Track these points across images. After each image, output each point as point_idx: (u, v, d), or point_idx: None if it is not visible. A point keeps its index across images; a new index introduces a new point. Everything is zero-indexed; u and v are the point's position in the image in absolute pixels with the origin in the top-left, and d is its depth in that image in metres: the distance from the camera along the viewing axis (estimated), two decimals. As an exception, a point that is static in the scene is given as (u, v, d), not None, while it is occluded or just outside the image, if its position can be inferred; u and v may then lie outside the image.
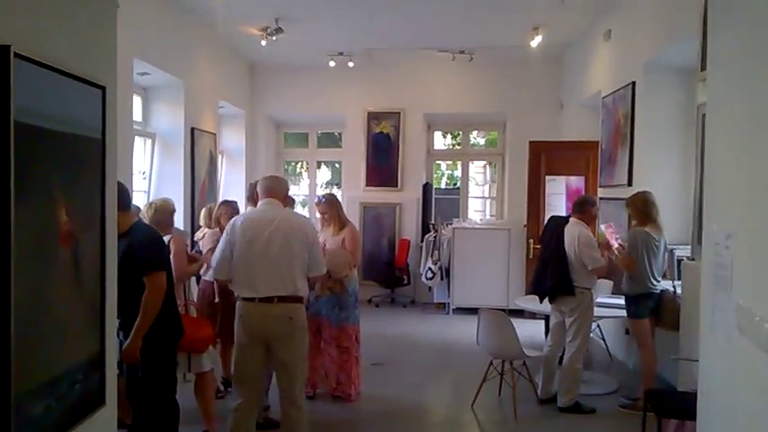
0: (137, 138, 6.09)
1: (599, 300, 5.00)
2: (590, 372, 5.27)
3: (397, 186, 9.09)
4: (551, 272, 4.70)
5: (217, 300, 4.66)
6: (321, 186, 11.37)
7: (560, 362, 4.76)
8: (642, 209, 4.62)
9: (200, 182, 6.91)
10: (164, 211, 4.13)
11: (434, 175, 10.46)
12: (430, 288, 8.49)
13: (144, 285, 3.10)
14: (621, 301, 4.82)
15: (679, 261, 4.81)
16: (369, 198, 9.10)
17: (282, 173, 9.71)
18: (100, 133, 2.22)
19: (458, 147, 11.02)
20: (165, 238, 3.81)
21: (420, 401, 5.07)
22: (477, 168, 12.18)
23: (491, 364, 4.74)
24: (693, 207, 4.51)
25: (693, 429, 3.25)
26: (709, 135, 2.13)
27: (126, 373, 3.20)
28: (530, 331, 6.25)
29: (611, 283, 5.56)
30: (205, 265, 4.77)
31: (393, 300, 8.81)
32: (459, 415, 4.76)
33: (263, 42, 7.21)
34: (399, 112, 9.05)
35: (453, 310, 8.13)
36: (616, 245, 4.66)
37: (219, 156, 8.04)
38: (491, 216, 10.00)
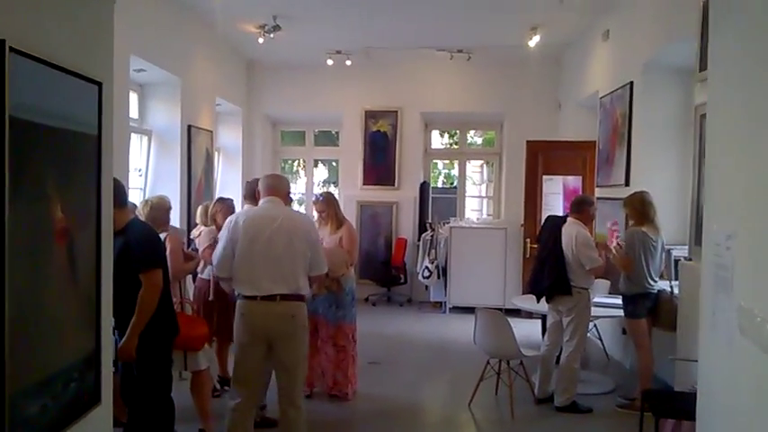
0: (133, 135, 6.06)
1: (596, 299, 5.00)
2: (587, 371, 5.26)
3: (394, 185, 9.08)
4: (548, 271, 4.69)
5: (211, 298, 4.64)
6: (318, 185, 11.35)
7: (557, 361, 4.76)
8: (639, 209, 4.62)
9: (196, 179, 6.89)
10: (160, 208, 4.11)
11: (431, 174, 10.45)
12: (427, 287, 8.48)
13: (140, 283, 3.08)
14: (618, 301, 4.82)
15: (676, 261, 4.81)
16: (366, 197, 9.08)
17: (279, 171, 9.68)
18: (96, 129, 2.20)
19: (455, 146, 11.01)
20: (161, 236, 3.79)
21: (417, 401, 5.06)
22: (474, 168, 12.18)
23: (488, 363, 4.74)
24: (691, 207, 4.51)
25: (690, 429, 3.26)
26: (710, 135, 2.12)
27: (121, 372, 3.18)
28: (526, 330, 6.24)
29: (609, 282, 5.57)
30: (201, 263, 4.75)
31: (390, 299, 8.80)
32: (456, 414, 4.75)
33: (261, 40, 7.19)
34: (397, 111, 9.04)
35: (450, 309, 8.13)
36: (614, 243, 4.66)
37: (216, 153, 8.02)
38: (488, 215, 10.00)
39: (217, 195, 7.31)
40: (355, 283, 4.99)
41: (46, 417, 1.92)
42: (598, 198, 6.27)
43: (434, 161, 10.82)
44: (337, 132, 9.85)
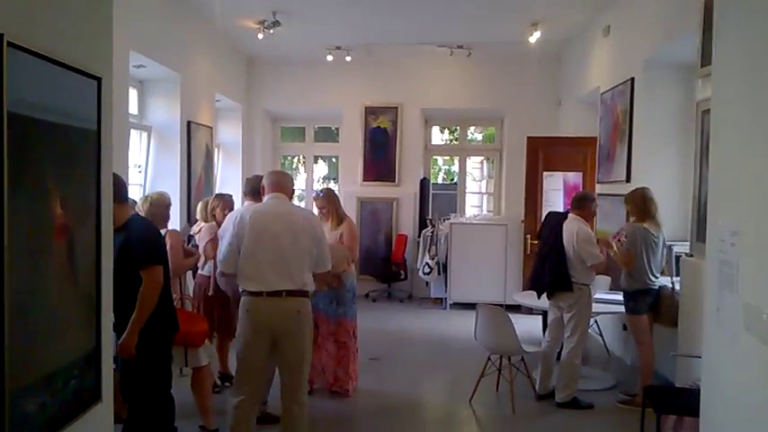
0: (132, 131, 6.05)
1: (597, 296, 5.00)
2: (588, 367, 5.26)
3: (394, 181, 9.07)
4: (549, 268, 4.68)
5: (211, 293, 4.63)
6: (318, 181, 11.33)
7: (558, 357, 4.76)
8: (641, 205, 4.61)
9: (196, 176, 6.87)
10: (159, 204, 4.10)
11: (432, 171, 10.43)
12: (427, 283, 8.48)
13: (140, 280, 3.07)
14: (619, 297, 4.82)
15: (677, 257, 4.80)
16: (366, 193, 9.07)
17: (279, 167, 9.67)
18: (95, 125, 2.19)
19: (455, 142, 11.00)
20: (161, 232, 3.78)
21: (417, 397, 5.06)
22: (474, 164, 12.17)
23: (489, 359, 4.73)
24: (692, 203, 4.49)
25: (692, 425, 3.25)
26: (714, 130, 2.11)
27: (120, 368, 3.17)
28: (527, 326, 6.24)
29: (609, 278, 5.56)
30: (202, 259, 4.74)
31: (390, 295, 8.80)
32: (457, 410, 4.75)
33: (261, 36, 7.16)
34: (397, 107, 9.02)
35: (450, 305, 8.13)
36: (615, 239, 4.65)
37: (216, 149, 8.00)
38: (488, 212, 9.99)
39: (217, 191, 7.30)
40: (356, 280, 4.98)
41: (46, 414, 1.91)
42: (599, 194, 6.25)
43: (435, 157, 10.80)
44: (337, 128, 9.83)
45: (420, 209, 9.12)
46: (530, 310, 6.73)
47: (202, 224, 4.99)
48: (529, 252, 7.35)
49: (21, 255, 1.73)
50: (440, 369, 5.85)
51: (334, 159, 10.83)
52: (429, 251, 8.18)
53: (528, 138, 7.60)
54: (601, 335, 6.15)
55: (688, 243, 4.67)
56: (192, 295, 4.90)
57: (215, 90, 7.68)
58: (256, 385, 3.48)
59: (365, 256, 8.65)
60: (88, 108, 2.15)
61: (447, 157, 12.12)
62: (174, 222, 5.44)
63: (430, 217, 8.85)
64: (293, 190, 3.77)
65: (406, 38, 7.87)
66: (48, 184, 1.89)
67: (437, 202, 9.69)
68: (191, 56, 6.87)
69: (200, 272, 4.86)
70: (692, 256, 4.49)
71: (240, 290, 3.43)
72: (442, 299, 8.32)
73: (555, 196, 7.48)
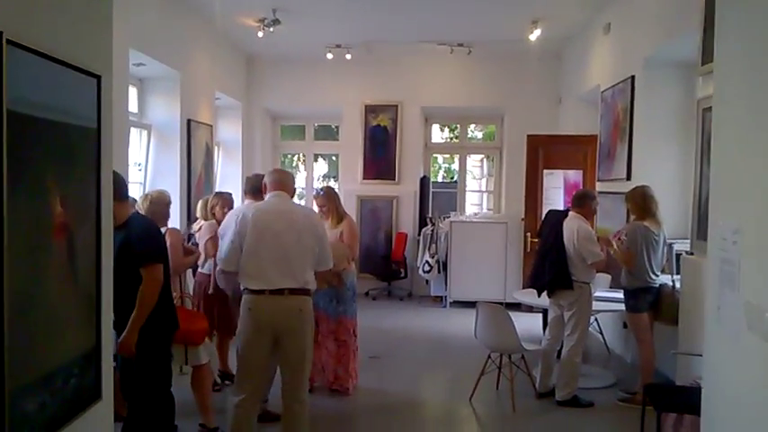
0: (132, 129, 6.04)
1: (597, 294, 4.99)
2: (588, 365, 5.26)
3: (394, 179, 9.06)
4: (550, 266, 4.68)
5: (211, 291, 4.62)
6: (318, 179, 11.33)
7: (559, 356, 4.76)
8: (641, 203, 4.60)
9: (196, 174, 6.87)
10: (159, 202, 4.09)
11: (432, 169, 10.42)
12: (427, 281, 8.48)
13: (140, 278, 3.06)
14: (620, 295, 4.82)
15: (678, 255, 4.79)
16: (366, 191, 9.07)
17: (279, 165, 9.66)
18: (95, 123, 2.18)
19: (455, 140, 10.99)
20: (161, 230, 3.77)
21: (417, 395, 5.06)
22: (474, 162, 12.15)
23: (489, 357, 4.73)
24: (693, 201, 4.49)
25: (692, 423, 3.25)
26: (716, 129, 2.10)
27: (120, 367, 3.17)
28: (527, 324, 6.23)
29: (610, 277, 5.56)
30: (202, 257, 4.74)
31: (390, 293, 8.80)
32: (457, 409, 4.75)
33: (261, 34, 7.15)
34: (397, 105, 9.01)
35: (450, 303, 8.13)
36: (616, 238, 4.65)
37: (216, 148, 7.99)
38: (488, 210, 9.98)
39: (217, 190, 7.30)
40: (356, 278, 4.98)
41: (45, 413, 1.90)
42: (599, 192, 6.25)
43: (435, 155, 10.79)
44: (337, 127, 9.82)
45: (420, 207, 9.11)
46: (530, 309, 6.73)
47: (202, 222, 4.99)
48: (529, 250, 7.35)
49: (20, 253, 1.73)
50: (440, 367, 5.85)
51: (334, 158, 10.82)
52: (429, 249, 8.18)
53: (528, 136, 7.58)
54: (601, 333, 6.15)
55: (688, 241, 4.67)
56: (191, 293, 4.90)
57: (215, 88, 7.67)
58: (258, 384, 3.47)
59: (365, 254, 8.65)
60: (88, 106, 2.14)
61: (447, 155, 12.11)
62: (175, 221, 5.44)
63: (430, 215, 8.84)
64: (295, 189, 3.77)
65: (406, 36, 7.86)
66: (47, 182, 1.89)
67: (437, 200, 9.68)
68: (191, 54, 6.86)
69: (200, 270, 4.86)
70: (692, 254, 4.49)
71: (242, 288, 3.42)
72: (441, 297, 8.32)
73: (555, 194, 7.48)
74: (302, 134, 10.00)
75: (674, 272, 4.75)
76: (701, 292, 3.98)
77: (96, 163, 2.20)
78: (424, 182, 9.27)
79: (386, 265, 8.75)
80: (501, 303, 5.37)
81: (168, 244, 3.83)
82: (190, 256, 4.52)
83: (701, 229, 4.28)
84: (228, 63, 8.32)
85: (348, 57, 8.33)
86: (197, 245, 4.89)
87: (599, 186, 6.55)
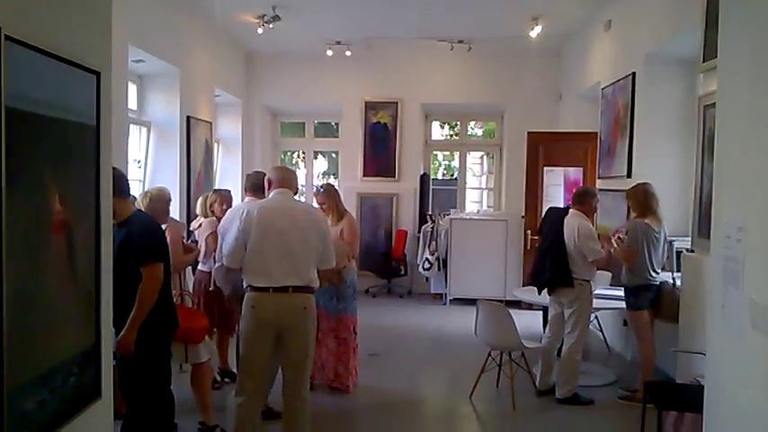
0: (132, 126, 6.02)
1: (597, 291, 4.98)
2: (588, 363, 5.26)
3: (394, 177, 9.05)
4: (550, 263, 4.67)
5: (212, 287, 4.61)
6: (318, 176, 11.32)
7: (559, 353, 4.75)
8: (642, 201, 4.59)
9: (195, 171, 6.85)
10: (159, 200, 4.08)
11: (432, 166, 10.41)
12: (427, 279, 8.47)
13: (140, 277, 3.05)
14: (620, 293, 4.81)
15: (678, 253, 4.79)
16: (366, 188, 9.05)
17: (279, 162, 9.65)
18: (94, 120, 2.17)
19: (455, 137, 10.98)
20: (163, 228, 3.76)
21: (418, 393, 5.06)
22: (474, 159, 12.14)
23: (489, 355, 4.72)
24: (694, 198, 4.48)
25: (693, 421, 3.25)
26: (720, 125, 2.09)
27: (118, 365, 3.16)
28: (527, 322, 6.23)
29: (610, 274, 5.55)
30: (202, 255, 4.73)
31: (390, 290, 8.80)
32: (457, 406, 4.75)
33: (260, 30, 7.13)
34: (397, 102, 8.99)
35: (450, 300, 8.12)
36: (616, 236, 4.64)
37: (215, 145, 7.98)
38: (488, 207, 9.98)
39: (216, 187, 7.29)
40: (356, 276, 4.97)
41: (45, 411, 1.90)
42: (600, 189, 6.23)
43: (435, 152, 10.79)
44: (337, 124, 9.80)
45: (420, 204, 9.10)
46: (530, 306, 6.72)
47: (202, 219, 4.97)
48: (529, 248, 7.34)
49: (19, 251, 1.72)
50: (440, 365, 5.85)
51: (333, 155, 10.81)
52: (429, 247, 8.17)
53: (528, 133, 7.57)
54: (601, 330, 6.14)
55: (689, 238, 4.66)
56: (191, 291, 4.89)
57: (214, 85, 7.65)
58: (260, 383, 3.45)
59: (365, 251, 8.63)
60: (87, 103, 2.13)
61: (447, 153, 12.10)
62: (175, 218, 5.42)
63: (430, 212, 8.83)
64: (297, 187, 3.76)
65: (406, 32, 7.84)
66: (46, 180, 1.87)
67: (437, 197, 9.67)
68: (190, 50, 6.84)
69: (199, 267, 4.84)
70: (693, 251, 4.48)
71: (245, 286, 3.41)
72: (441, 294, 8.32)
73: (555, 191, 7.47)
74: (302, 131, 9.98)
75: (675, 269, 4.75)
76: (701, 290, 3.98)
77: (95, 160, 2.18)
78: (424, 179, 9.26)
79: (386, 263, 8.74)
80: (501, 301, 5.37)
81: (168, 240, 3.82)
82: (189, 254, 4.51)
83: (701, 227, 4.27)
84: (228, 60, 8.30)
85: (348, 53, 8.32)
86: (196, 242, 4.87)
87: (599, 184, 6.53)
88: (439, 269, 8.14)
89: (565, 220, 4.72)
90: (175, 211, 5.71)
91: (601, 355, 5.88)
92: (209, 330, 4.32)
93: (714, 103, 3.30)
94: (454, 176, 11.29)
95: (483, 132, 11.49)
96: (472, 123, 10.43)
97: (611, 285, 5.44)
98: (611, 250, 4.68)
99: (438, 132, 11.02)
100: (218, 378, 4.83)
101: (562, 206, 5.82)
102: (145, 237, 3.13)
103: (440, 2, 6.60)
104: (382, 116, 9.04)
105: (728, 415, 1.90)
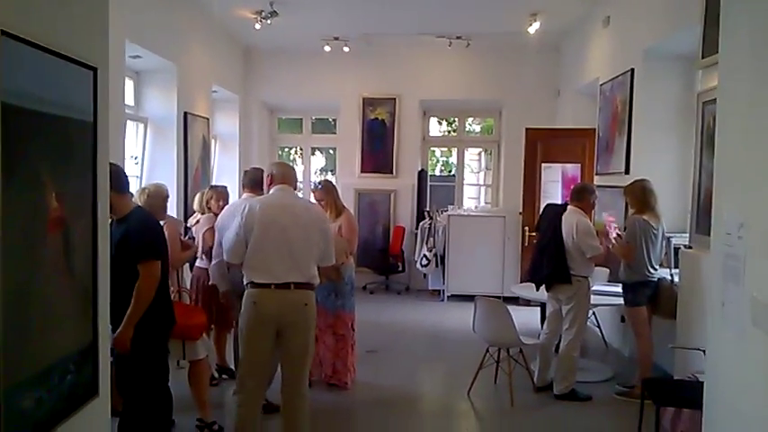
0: (129, 122, 6.00)
1: (595, 287, 4.98)
2: (586, 359, 5.26)
3: (391, 173, 9.04)
4: (548, 260, 4.67)
5: (211, 282, 4.60)
6: (315, 173, 11.30)
7: (557, 350, 4.75)
8: (640, 197, 4.59)
9: (193, 167, 6.83)
10: (157, 196, 4.06)
11: (429, 162, 10.40)
12: (425, 275, 8.47)
13: (137, 274, 3.04)
14: (617, 289, 4.81)
15: (676, 249, 4.79)
16: (363, 185, 9.04)
17: (277, 159, 9.63)
18: (91, 116, 2.15)
19: (453, 133, 10.96)
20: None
21: (415, 389, 5.06)
22: (472, 155, 12.14)
23: (487, 351, 4.72)
24: (692, 195, 4.48)
25: (691, 417, 3.25)
26: (721, 122, 2.08)
27: (115, 362, 3.15)
28: (524, 318, 6.21)
29: (608, 270, 5.55)
30: (199, 251, 4.71)
31: (387, 287, 8.79)
32: (455, 403, 4.75)
33: (258, 26, 7.10)
34: (395, 98, 8.97)
35: (448, 297, 8.12)
36: (614, 234, 4.64)
37: (213, 141, 7.95)
38: (486, 203, 9.97)
39: (213, 183, 7.27)
40: (354, 272, 4.96)
41: (42, 409, 1.89)
42: (597, 186, 6.23)
43: (432, 149, 10.77)
44: (335, 120, 9.78)
45: (418, 201, 9.09)
46: (527, 302, 6.72)
47: (199, 216, 4.96)
48: (527, 244, 7.34)
49: (15, 248, 1.71)
50: (437, 361, 5.85)
51: (331, 151, 10.79)
52: (427, 243, 8.17)
53: (526, 129, 7.57)
54: (599, 327, 6.15)
55: (687, 235, 4.66)
56: (189, 288, 4.88)
57: (212, 81, 7.62)
58: (260, 381, 3.43)
59: (363, 248, 8.60)
60: (84, 99, 2.11)
61: (445, 149, 12.09)
62: (172, 214, 5.40)
63: (428, 209, 8.83)
64: (297, 184, 3.75)
65: (404, 28, 7.81)
66: (42, 176, 1.86)
67: (435, 193, 9.67)
68: (187, 46, 6.81)
69: (197, 264, 4.83)
70: (691, 247, 4.48)
71: (245, 282, 3.40)
72: (439, 291, 8.32)
73: (553, 188, 7.46)
74: (299, 127, 9.96)
75: (673, 266, 4.75)
76: (699, 286, 3.99)
77: (92, 156, 2.17)
78: (422, 175, 9.25)
79: (383, 259, 8.74)
80: (499, 297, 5.38)
81: (165, 235, 3.81)
82: (187, 251, 4.50)
83: (700, 223, 4.27)
84: (225, 55, 8.27)
85: (346, 49, 8.29)
86: (194, 239, 4.86)
87: (597, 180, 6.53)
88: (437, 265, 8.14)
89: (563, 217, 4.71)
90: (173, 207, 5.69)
91: (598, 352, 5.89)
92: (207, 327, 4.31)
93: (713, 100, 3.30)
94: (452, 173, 11.29)
95: (481, 129, 11.48)
96: (470, 120, 10.42)
97: (608, 282, 5.45)
98: (610, 246, 4.68)
99: (436, 129, 11.01)
100: (216, 375, 4.82)
101: (560, 202, 5.82)
102: (143, 234, 3.12)
103: (438, -2, 6.59)
104: (380, 112, 9.02)
105: (729, 412, 1.90)
